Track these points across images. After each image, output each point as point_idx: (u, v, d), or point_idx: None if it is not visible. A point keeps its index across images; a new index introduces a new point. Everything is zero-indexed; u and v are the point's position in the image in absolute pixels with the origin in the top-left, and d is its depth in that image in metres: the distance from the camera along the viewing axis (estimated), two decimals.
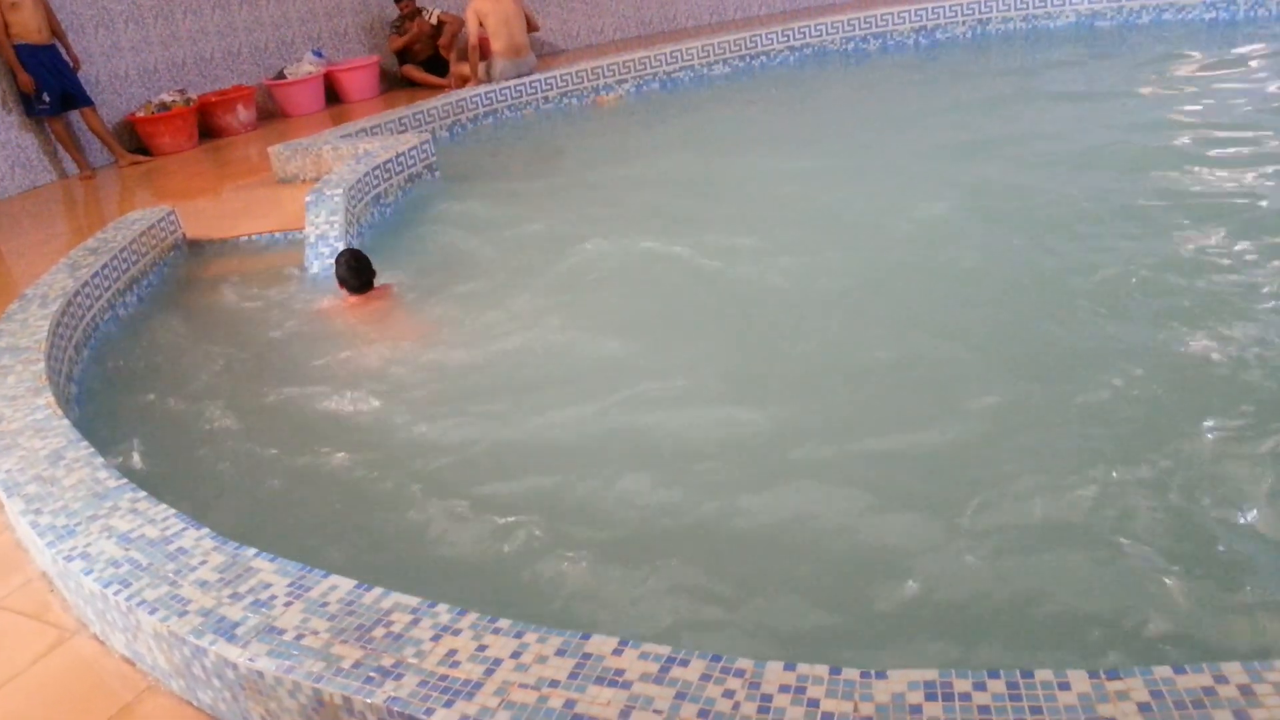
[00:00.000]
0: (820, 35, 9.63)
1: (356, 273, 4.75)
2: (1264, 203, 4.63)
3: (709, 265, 4.76)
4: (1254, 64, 7.27)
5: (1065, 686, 1.70)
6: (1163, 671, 1.71)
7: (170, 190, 7.51)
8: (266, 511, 3.24)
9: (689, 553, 2.75)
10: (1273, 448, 2.84)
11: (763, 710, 1.75)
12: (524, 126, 8.69)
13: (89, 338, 4.62)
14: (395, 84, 10.43)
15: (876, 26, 9.60)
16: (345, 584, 2.23)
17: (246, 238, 5.87)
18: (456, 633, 2.04)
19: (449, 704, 1.85)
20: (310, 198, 5.59)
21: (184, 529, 2.53)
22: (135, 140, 8.96)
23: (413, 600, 2.14)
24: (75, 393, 4.13)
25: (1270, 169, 5.08)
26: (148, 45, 9.18)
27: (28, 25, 7.85)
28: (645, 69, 9.32)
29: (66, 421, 3.26)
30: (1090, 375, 3.33)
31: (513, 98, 8.90)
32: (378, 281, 4.85)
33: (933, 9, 9.53)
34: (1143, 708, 1.64)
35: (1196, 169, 5.27)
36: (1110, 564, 2.49)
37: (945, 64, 8.79)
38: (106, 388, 4.29)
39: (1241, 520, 2.59)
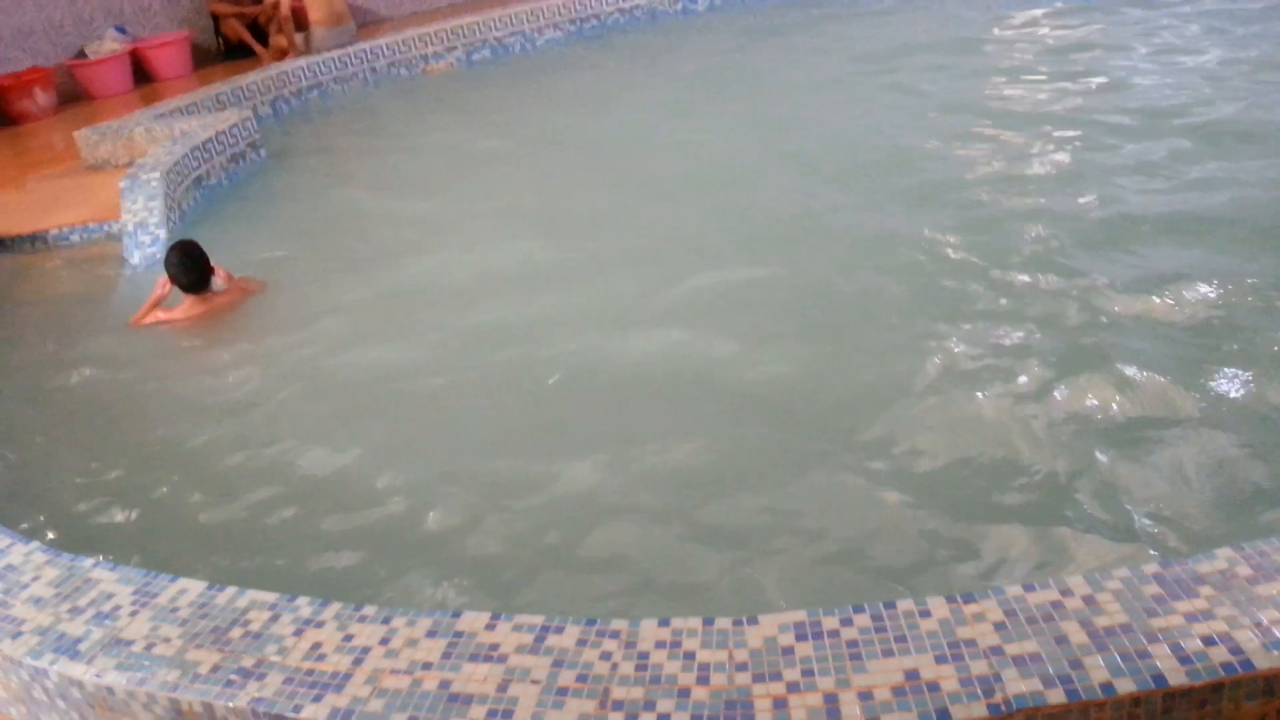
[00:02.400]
0: None
1: (187, 269, 4.27)
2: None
3: (541, 239, 4.69)
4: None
5: (926, 614, 1.77)
6: (1014, 590, 1.80)
7: None
8: (99, 534, 3.03)
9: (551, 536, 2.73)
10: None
11: (640, 668, 1.76)
12: (351, 99, 8.39)
13: None
14: (209, 60, 9.89)
15: None
16: (196, 586, 2.12)
17: (57, 230, 5.47)
18: (320, 625, 1.96)
19: (318, 699, 1.78)
20: (125, 183, 5.25)
21: (10, 544, 2.35)
22: None
23: (270, 596, 2.05)
24: None
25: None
26: None
27: None
28: (475, 35, 9.12)
29: None
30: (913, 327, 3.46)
31: (338, 69, 8.56)
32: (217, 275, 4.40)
33: None
34: (998, 626, 1.73)
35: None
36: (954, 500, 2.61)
37: (767, 21, 8.95)
38: None
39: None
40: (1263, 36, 6.24)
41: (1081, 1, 7.78)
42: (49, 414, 3.76)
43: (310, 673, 1.85)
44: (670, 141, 5.94)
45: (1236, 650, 1.61)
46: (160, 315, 4.33)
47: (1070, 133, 5.06)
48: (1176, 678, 1.58)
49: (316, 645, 1.91)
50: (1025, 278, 3.68)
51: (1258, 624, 1.65)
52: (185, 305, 4.33)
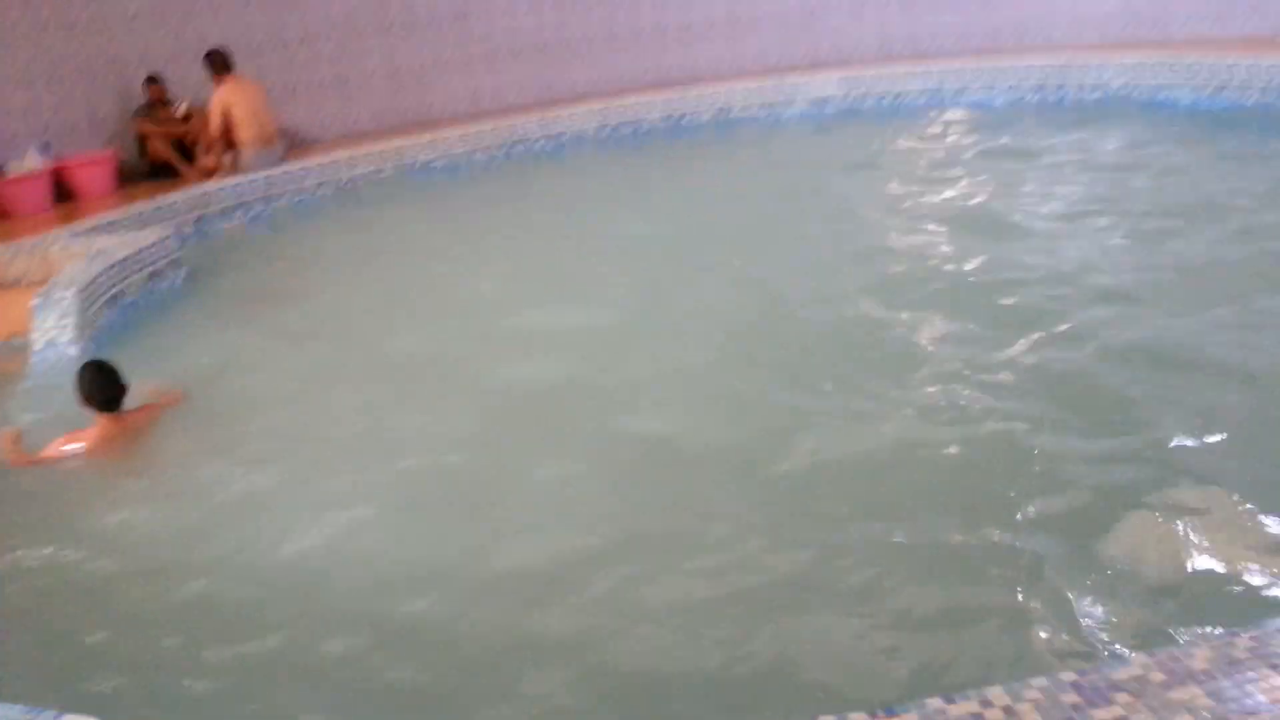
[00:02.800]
0: (575, 123, 9.90)
1: (101, 386, 4.09)
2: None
3: (471, 368, 4.66)
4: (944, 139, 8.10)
5: None
6: (935, 703, 1.78)
7: None
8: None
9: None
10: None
11: None
12: (277, 219, 8.38)
13: None
14: (134, 179, 9.85)
15: (629, 115, 9.99)
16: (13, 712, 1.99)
17: None
18: None
19: None
20: (37, 300, 5.13)
21: None
22: None
23: None
24: None
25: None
26: None
27: None
28: (403, 158, 9.25)
29: None
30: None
31: (265, 189, 8.58)
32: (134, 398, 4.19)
33: (679, 98, 10.05)
34: None
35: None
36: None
37: (689, 148, 9.27)
38: None
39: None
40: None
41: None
42: None
43: None
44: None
45: None
46: (64, 448, 4.06)
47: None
48: None
49: None
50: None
51: None
52: (98, 428, 4.11)
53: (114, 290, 5.69)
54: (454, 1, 10.89)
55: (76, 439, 4.09)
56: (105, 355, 4.45)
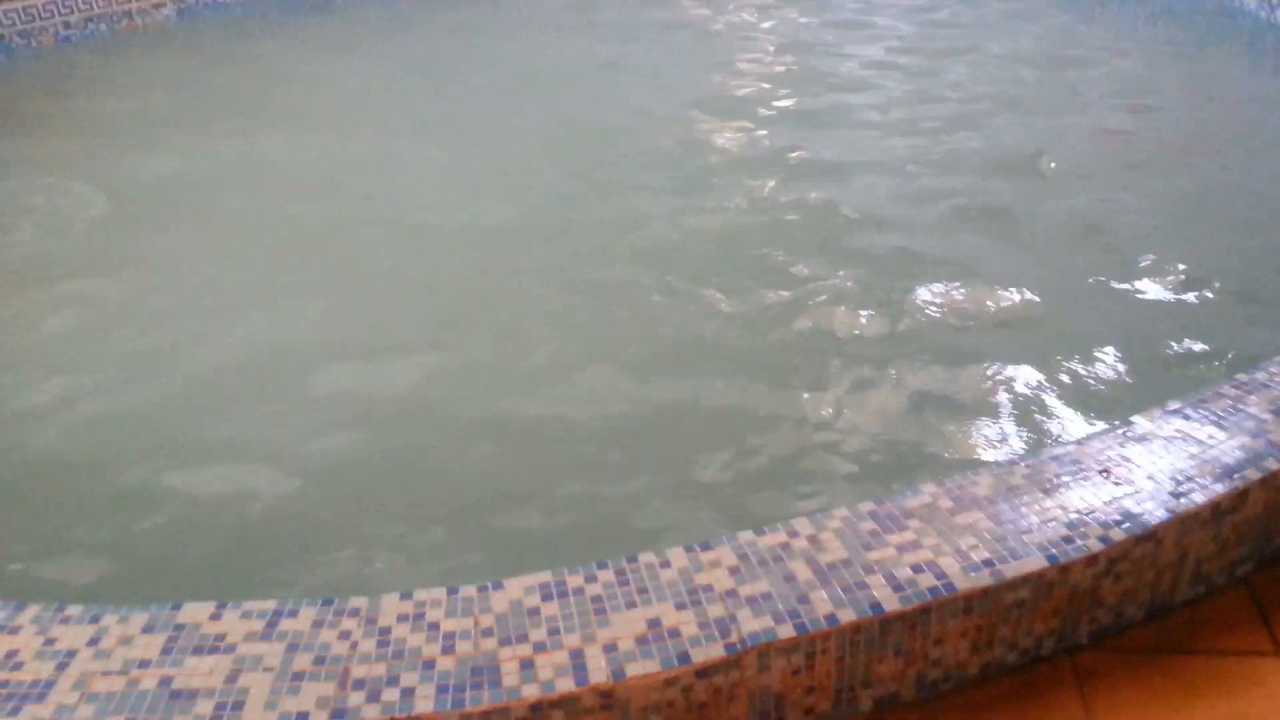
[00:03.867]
0: None
1: None
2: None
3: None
4: None
5: (666, 564, 1.82)
6: (746, 536, 1.88)
7: None
8: None
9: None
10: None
11: (382, 644, 1.70)
12: (40, 58, 7.53)
13: None
14: None
15: None
16: None
17: None
18: (15, 631, 1.76)
19: (15, 711, 1.60)
20: None
21: None
22: None
23: None
24: None
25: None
26: None
27: None
28: None
29: None
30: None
31: (22, 24, 7.67)
32: None
33: None
34: (733, 571, 1.80)
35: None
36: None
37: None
38: None
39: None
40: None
41: None
42: None
43: (5, 684, 1.66)
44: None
45: (941, 575, 1.76)
46: None
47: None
48: (891, 605, 1.72)
49: (12, 653, 1.72)
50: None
51: (957, 550, 1.81)
52: None
53: None
54: None
55: None
56: None
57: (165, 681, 1.64)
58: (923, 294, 3.40)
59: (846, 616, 1.69)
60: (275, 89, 6.41)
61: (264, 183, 4.82)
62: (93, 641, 1.73)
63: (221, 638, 1.72)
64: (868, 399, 2.85)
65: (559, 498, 2.57)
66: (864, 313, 3.31)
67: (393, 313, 3.52)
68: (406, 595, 1.78)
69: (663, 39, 7.12)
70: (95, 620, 1.77)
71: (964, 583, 1.75)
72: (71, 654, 1.71)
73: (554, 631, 1.70)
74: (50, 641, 1.74)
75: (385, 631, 1.72)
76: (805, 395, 2.90)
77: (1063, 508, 1.89)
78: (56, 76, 7.10)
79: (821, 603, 1.72)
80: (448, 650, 1.68)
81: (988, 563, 1.78)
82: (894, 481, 2.48)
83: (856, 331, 3.22)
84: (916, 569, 1.78)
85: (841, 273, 3.57)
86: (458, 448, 2.79)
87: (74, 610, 1.79)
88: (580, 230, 4.11)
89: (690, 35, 7.24)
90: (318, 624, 1.74)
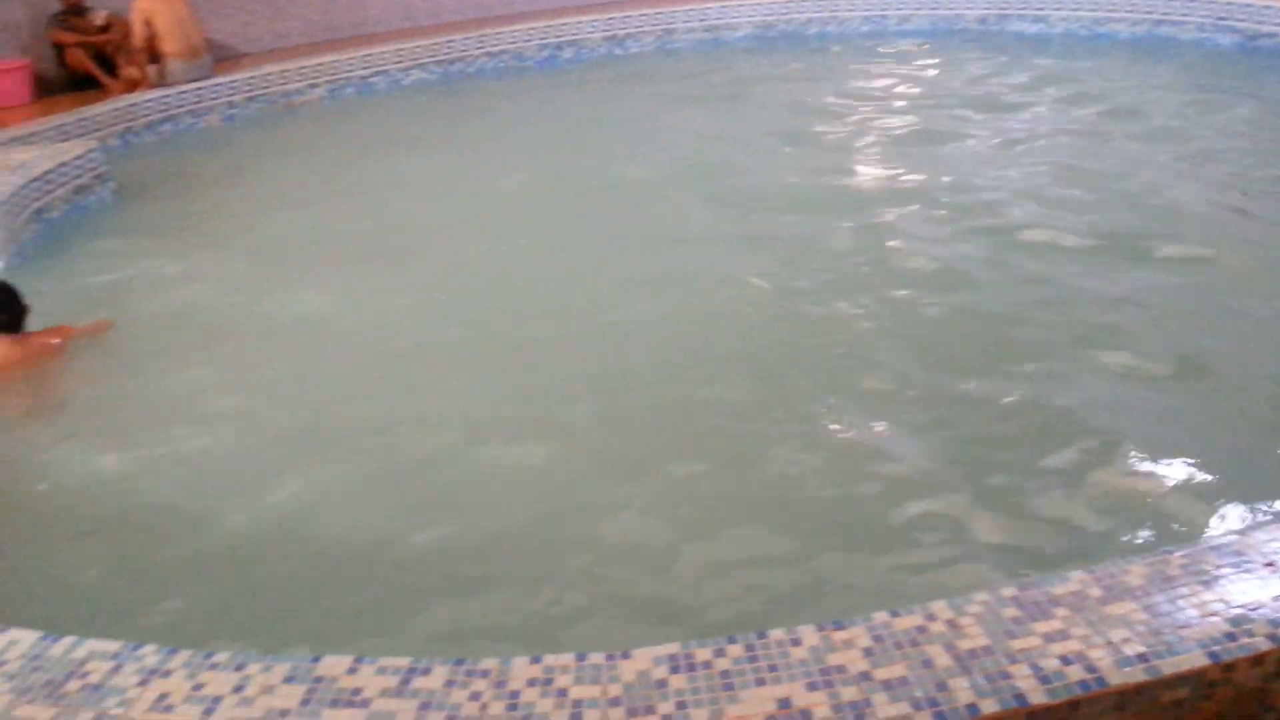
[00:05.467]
0: (515, 43, 9.67)
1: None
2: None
3: (412, 281, 4.59)
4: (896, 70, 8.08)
5: (797, 642, 1.78)
6: (880, 616, 1.83)
7: None
8: None
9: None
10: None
11: (511, 708, 1.70)
12: (207, 134, 8.10)
13: None
14: (53, 90, 9.39)
15: (569, 35, 9.78)
16: (28, 636, 1.96)
17: None
18: (167, 674, 1.84)
19: None
20: None
21: None
22: None
23: (113, 645, 1.91)
24: None
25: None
26: None
27: None
28: (338, 73, 8.96)
29: None
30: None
31: (193, 103, 8.27)
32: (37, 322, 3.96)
33: (622, 18, 9.85)
34: (866, 652, 1.75)
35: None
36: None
37: (632, 70, 9.11)
38: None
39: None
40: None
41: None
42: None
43: None
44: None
45: (1091, 668, 1.67)
46: None
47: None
48: (1036, 696, 1.63)
49: (163, 696, 1.79)
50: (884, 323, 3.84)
51: (1109, 642, 1.72)
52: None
53: (37, 205, 5.46)
54: None
55: None
56: (26, 272, 4.28)
57: None
58: (1080, 373, 3.30)
59: (989, 707, 1.62)
60: (405, 161, 6.71)
61: (405, 241, 5.08)
62: (237, 689, 1.78)
63: (358, 692, 1.76)
64: (1012, 478, 2.75)
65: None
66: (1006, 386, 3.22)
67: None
68: (536, 659, 1.79)
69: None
70: (240, 668, 1.83)
71: (1117, 677, 1.65)
72: (218, 700, 1.77)
73: (681, 705, 1.68)
74: (198, 686, 1.80)
75: (515, 695, 1.73)
76: (946, 469, 2.83)
77: (1224, 601, 1.78)
78: (221, 147, 7.62)
79: (962, 691, 1.65)
80: (575, 718, 1.67)
81: (1142, 657, 1.68)
82: (1036, 567, 2.37)
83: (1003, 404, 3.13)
84: (1064, 660, 1.69)
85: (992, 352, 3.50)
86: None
87: (221, 657, 1.86)
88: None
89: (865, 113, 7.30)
90: (449, 683, 1.76)
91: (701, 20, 9.95)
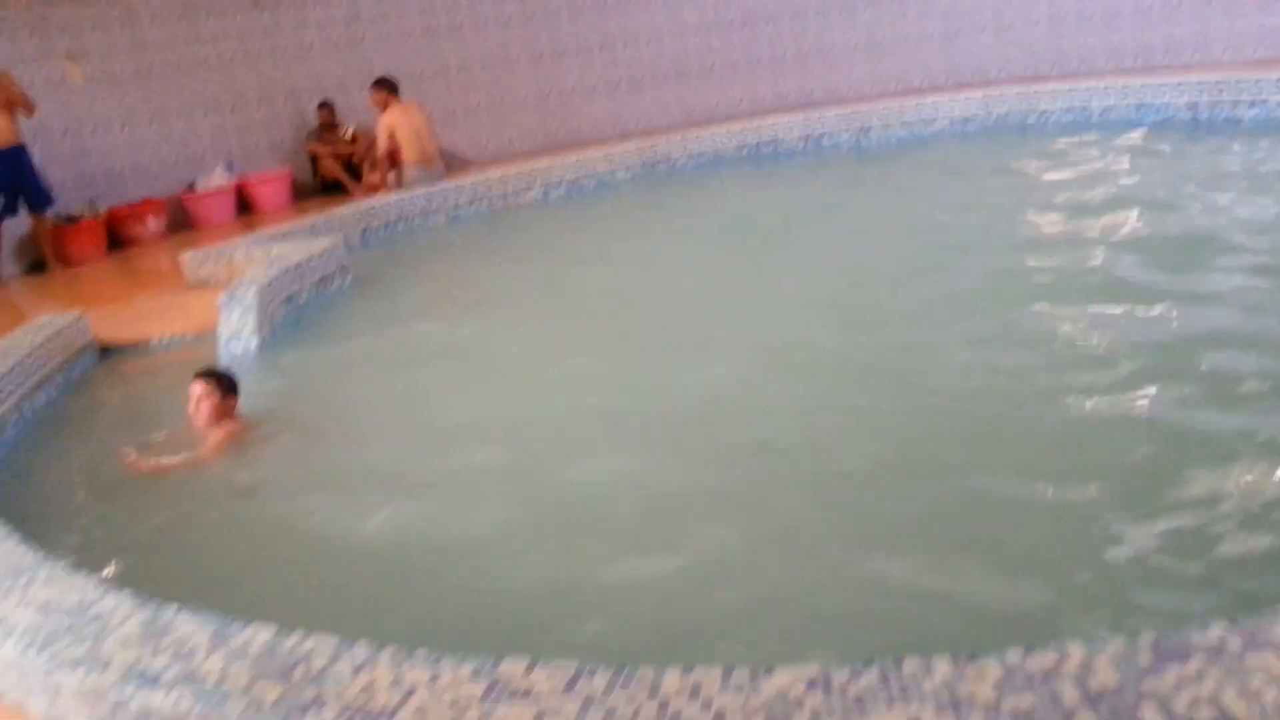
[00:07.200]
0: (716, 143, 10.17)
1: (226, 377, 4.48)
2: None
3: (627, 381, 4.72)
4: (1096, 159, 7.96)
5: (930, 671, 1.90)
6: (1015, 653, 1.92)
7: (80, 297, 7.48)
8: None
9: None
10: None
11: (661, 712, 1.90)
12: (434, 232, 8.93)
13: None
14: (307, 195, 10.64)
15: (768, 135, 10.20)
16: (265, 632, 2.33)
17: (158, 339, 5.93)
18: (374, 666, 2.15)
19: None
20: (224, 297, 5.70)
21: (104, 594, 2.59)
22: (40, 251, 8.93)
23: (332, 640, 2.25)
24: None
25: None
26: (58, 160, 9.29)
27: None
28: (552, 176, 9.70)
29: None
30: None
31: (424, 205, 9.15)
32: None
33: (819, 119, 10.19)
34: (997, 685, 1.85)
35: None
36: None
37: (829, 168, 9.39)
38: (19, 484, 4.29)
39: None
40: None
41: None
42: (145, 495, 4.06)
43: (361, 708, 2.03)
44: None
45: (1224, 715, 1.71)
46: (171, 461, 4.20)
47: None
48: None
49: (369, 685, 2.10)
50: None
51: (1245, 692, 1.74)
52: (213, 436, 4.32)
53: (289, 292, 6.24)
54: (600, 32, 11.36)
55: (178, 462, 4.21)
56: (278, 347, 4.92)
57: (483, 717, 1.94)
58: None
59: None
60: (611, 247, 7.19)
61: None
62: (431, 681, 2.07)
63: (530, 690, 2.01)
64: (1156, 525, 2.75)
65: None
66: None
67: None
68: (688, 669, 1.98)
69: None
70: (435, 663, 2.12)
71: None
72: (412, 690, 2.06)
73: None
74: (399, 678, 2.10)
75: (665, 702, 1.93)
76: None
77: None
78: (445, 244, 8.40)
79: None
80: None
81: None
82: (1174, 616, 2.36)
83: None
84: (1194, 704, 1.73)
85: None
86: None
87: (420, 653, 2.16)
88: None
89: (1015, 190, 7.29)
90: (610, 686, 1.98)
91: (900, 117, 10.16)
